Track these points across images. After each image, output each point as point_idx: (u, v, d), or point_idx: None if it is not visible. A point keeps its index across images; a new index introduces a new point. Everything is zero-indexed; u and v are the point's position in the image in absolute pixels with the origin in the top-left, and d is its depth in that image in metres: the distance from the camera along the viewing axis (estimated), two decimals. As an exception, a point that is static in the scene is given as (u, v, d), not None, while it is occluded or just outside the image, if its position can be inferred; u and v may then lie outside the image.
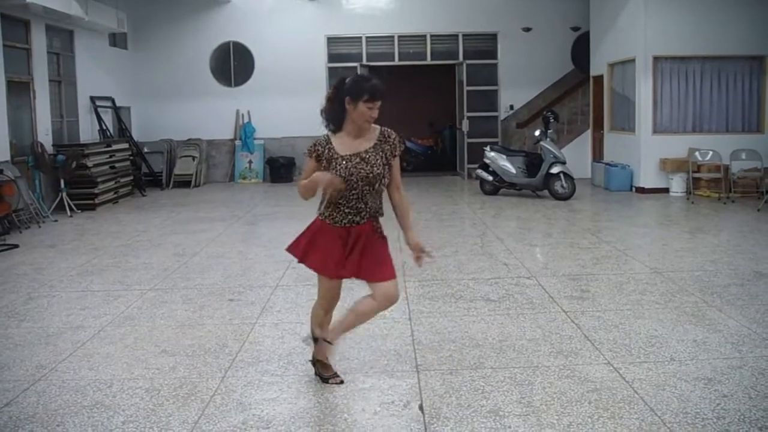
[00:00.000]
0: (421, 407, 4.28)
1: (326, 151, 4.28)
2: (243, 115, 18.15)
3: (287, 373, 4.91)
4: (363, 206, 4.32)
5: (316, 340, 4.68)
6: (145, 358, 5.28)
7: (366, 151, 4.29)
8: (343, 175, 4.20)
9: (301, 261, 4.53)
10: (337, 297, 4.58)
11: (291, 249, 4.58)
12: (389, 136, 4.38)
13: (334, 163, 4.24)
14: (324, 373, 4.70)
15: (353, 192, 4.27)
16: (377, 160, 4.29)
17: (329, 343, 4.58)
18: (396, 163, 4.42)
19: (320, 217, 4.42)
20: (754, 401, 4.24)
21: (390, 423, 4.10)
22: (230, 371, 4.95)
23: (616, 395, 4.37)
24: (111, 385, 4.73)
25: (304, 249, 4.47)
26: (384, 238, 4.48)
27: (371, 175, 4.25)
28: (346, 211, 4.32)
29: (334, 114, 4.31)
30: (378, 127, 4.39)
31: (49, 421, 4.18)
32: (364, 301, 4.47)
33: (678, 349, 5.20)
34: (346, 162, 4.23)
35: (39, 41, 13.25)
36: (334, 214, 4.34)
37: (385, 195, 4.46)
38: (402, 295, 6.58)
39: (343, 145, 4.30)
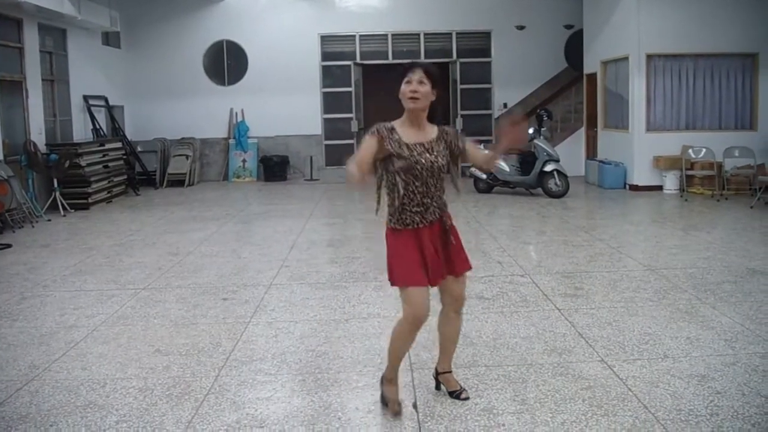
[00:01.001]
0: (415, 405, 4.28)
1: (390, 134, 3.98)
2: (237, 113, 18.13)
3: (281, 372, 4.90)
4: (429, 201, 4.02)
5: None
6: (139, 357, 5.27)
7: (429, 142, 4.02)
8: (407, 160, 3.93)
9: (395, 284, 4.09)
10: (427, 308, 4.04)
11: (394, 279, 4.10)
12: (448, 132, 4.12)
13: (398, 149, 3.95)
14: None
15: (418, 184, 3.98)
16: (441, 150, 4.03)
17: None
18: (474, 146, 4.18)
19: (390, 225, 4.09)
20: (747, 398, 4.24)
21: (384, 422, 4.10)
22: (224, 370, 4.94)
23: (610, 393, 4.37)
24: (104, 384, 4.72)
25: (395, 270, 4.07)
26: (453, 228, 4.18)
27: (436, 164, 3.98)
28: (415, 210, 4.00)
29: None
30: (436, 126, 4.12)
31: (42, 421, 4.17)
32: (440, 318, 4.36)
33: (671, 346, 5.20)
34: (411, 149, 3.96)
35: (32, 40, 13.21)
36: (402, 216, 4.00)
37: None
38: (395, 294, 6.61)
39: (406, 133, 4.01)
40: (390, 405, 4.20)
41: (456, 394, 4.37)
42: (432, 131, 4.07)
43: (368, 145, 3.95)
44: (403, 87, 3.96)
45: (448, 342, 4.43)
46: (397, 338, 4.16)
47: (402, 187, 3.97)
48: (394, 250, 4.07)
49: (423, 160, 3.95)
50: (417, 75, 3.94)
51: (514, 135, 4.00)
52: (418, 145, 3.98)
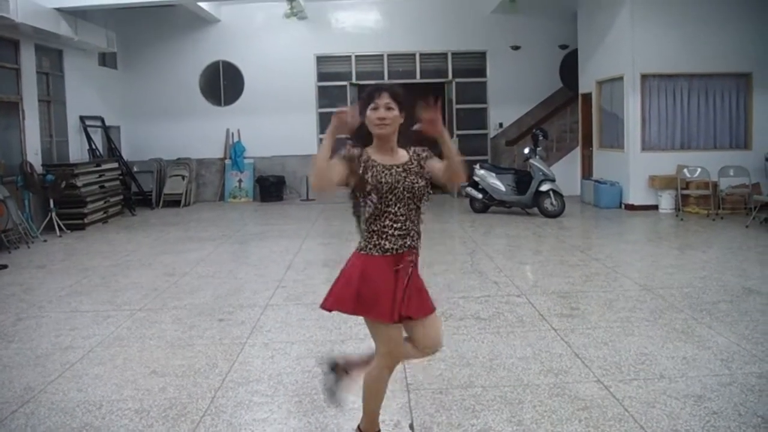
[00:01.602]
0: (411, 426, 4.27)
1: (363, 155, 3.70)
2: (233, 134, 18.17)
3: (277, 393, 4.90)
4: (411, 225, 3.73)
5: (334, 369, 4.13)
6: (135, 378, 5.26)
7: (406, 164, 3.73)
8: (386, 182, 3.64)
9: (353, 313, 3.73)
10: (401, 345, 3.80)
11: (332, 305, 3.76)
12: (421, 152, 3.80)
13: (372, 171, 3.66)
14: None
15: (399, 206, 3.68)
16: (419, 172, 3.74)
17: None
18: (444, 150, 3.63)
19: (362, 252, 3.74)
20: (743, 418, 4.24)
21: (380, 443, 4.08)
22: (220, 392, 4.94)
23: (607, 413, 4.37)
24: (100, 406, 4.71)
25: (350, 297, 3.68)
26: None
27: (416, 186, 3.69)
28: (396, 234, 3.68)
29: (363, 131, 3.74)
30: (406, 151, 3.80)
31: (37, 444, 4.16)
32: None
33: (668, 366, 5.21)
34: (388, 171, 3.68)
35: (28, 61, 13.26)
36: (381, 241, 3.67)
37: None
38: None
39: (379, 158, 3.72)
40: None
41: None
42: (403, 154, 3.78)
43: (336, 164, 3.64)
44: (370, 113, 3.66)
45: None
46: (373, 382, 3.87)
47: (379, 207, 3.68)
48: (350, 273, 3.74)
49: (403, 180, 3.68)
50: (384, 100, 3.65)
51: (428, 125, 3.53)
52: (395, 166, 3.71)
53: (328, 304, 3.73)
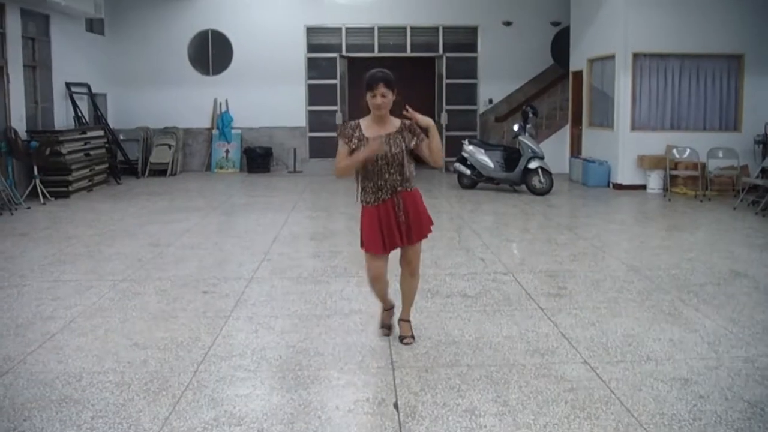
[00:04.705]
0: (395, 405, 4.23)
1: (355, 132, 4.99)
2: (220, 104, 18.01)
3: (260, 368, 4.84)
4: (383, 183, 4.96)
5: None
6: (116, 350, 5.19)
7: (388, 135, 4.95)
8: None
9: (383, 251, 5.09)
10: (380, 273, 5.15)
11: (366, 247, 5.13)
12: (409, 126, 5.01)
13: (360, 144, 4.92)
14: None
15: (374, 168, 4.93)
16: (397, 142, 4.94)
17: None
18: (429, 140, 5.03)
19: (362, 203, 5.10)
20: (730, 402, 4.22)
21: (364, 421, 4.05)
22: (203, 365, 4.88)
23: (593, 395, 4.34)
24: (80, 378, 4.64)
25: (361, 238, 5.15)
26: (412, 201, 5.12)
27: (389, 154, 4.91)
28: (371, 189, 5.00)
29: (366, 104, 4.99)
30: (399, 120, 5.02)
31: (15, 416, 4.09)
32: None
33: (654, 348, 5.18)
34: (371, 141, 4.88)
35: (14, 25, 13.03)
36: (366, 196, 5.04)
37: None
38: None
39: (369, 129, 5.00)
40: (380, 324, 5.55)
41: (401, 339, 5.31)
42: (394, 124, 5.01)
43: (343, 150, 4.97)
44: (370, 99, 4.89)
45: (405, 296, 5.41)
46: (370, 288, 5.39)
47: (361, 172, 5.00)
48: (361, 222, 5.14)
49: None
50: (380, 90, 4.84)
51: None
52: (377, 138, 4.90)
53: (365, 247, 5.13)
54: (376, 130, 4.97)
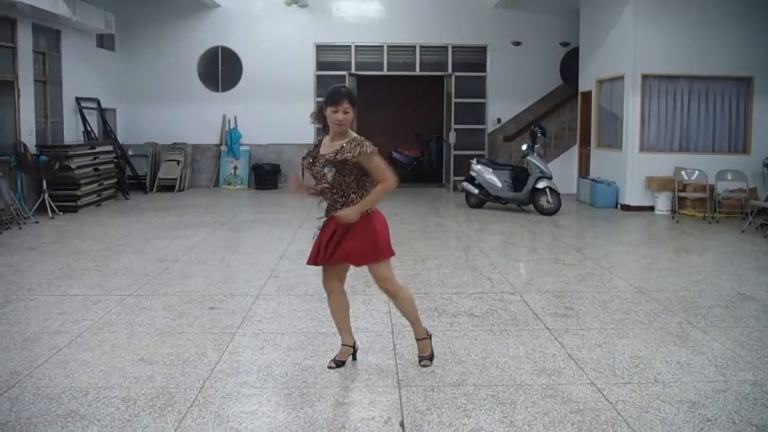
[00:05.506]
0: (401, 424, 4.21)
1: (312, 151, 4.96)
2: (229, 120, 18.07)
3: (266, 385, 4.83)
4: (326, 201, 4.97)
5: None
6: (123, 366, 5.19)
7: (330, 153, 4.77)
8: (313, 172, 4.90)
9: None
10: (329, 283, 5.13)
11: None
12: (353, 142, 4.73)
13: (313, 162, 4.90)
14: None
15: (318, 187, 4.90)
16: (330, 161, 4.75)
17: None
18: (372, 163, 4.75)
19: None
20: (738, 426, 4.19)
21: (370, 440, 4.03)
22: (208, 382, 4.87)
23: (600, 417, 4.31)
24: (87, 393, 4.64)
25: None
26: (365, 222, 4.88)
27: (319, 174, 4.83)
28: (325, 206, 5.01)
29: (324, 120, 4.88)
30: (354, 135, 4.81)
31: (21, 430, 4.09)
32: None
33: (662, 370, 5.16)
34: (319, 162, 4.84)
35: (25, 40, 13.13)
36: (323, 211, 5.05)
37: None
38: (384, 309, 6.57)
39: (325, 146, 4.88)
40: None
41: (418, 360, 5.22)
42: (344, 140, 4.77)
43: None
44: (331, 114, 4.74)
45: (404, 317, 5.27)
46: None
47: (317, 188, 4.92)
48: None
49: (317, 170, 4.85)
50: (343, 105, 4.71)
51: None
52: (321, 157, 4.83)
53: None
54: (328, 147, 4.84)
